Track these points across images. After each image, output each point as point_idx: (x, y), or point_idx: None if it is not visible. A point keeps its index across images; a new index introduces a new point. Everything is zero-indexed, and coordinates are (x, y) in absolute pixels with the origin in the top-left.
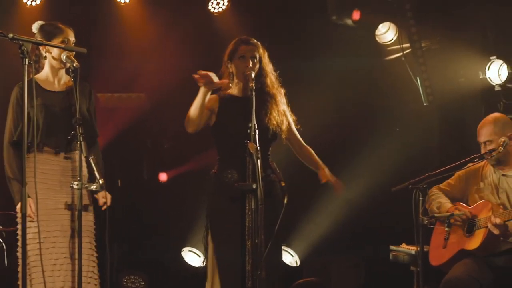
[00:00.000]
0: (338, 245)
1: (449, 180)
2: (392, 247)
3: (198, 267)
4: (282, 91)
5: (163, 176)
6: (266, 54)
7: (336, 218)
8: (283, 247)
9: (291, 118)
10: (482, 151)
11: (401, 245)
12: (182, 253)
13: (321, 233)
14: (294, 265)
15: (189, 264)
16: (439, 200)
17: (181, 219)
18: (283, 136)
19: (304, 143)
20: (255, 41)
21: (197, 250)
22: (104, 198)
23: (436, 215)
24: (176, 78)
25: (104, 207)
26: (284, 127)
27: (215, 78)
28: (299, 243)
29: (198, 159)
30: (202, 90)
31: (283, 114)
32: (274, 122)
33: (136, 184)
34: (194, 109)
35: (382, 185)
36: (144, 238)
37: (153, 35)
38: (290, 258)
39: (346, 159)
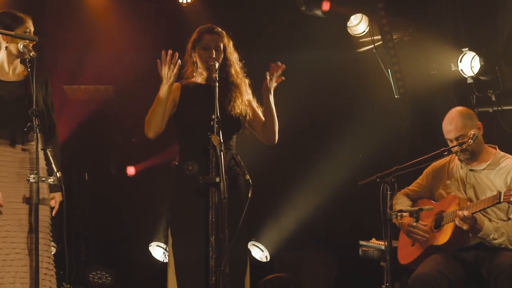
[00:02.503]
0: (309, 240)
1: (417, 180)
2: (362, 242)
3: (165, 262)
4: (247, 81)
5: (131, 170)
6: (231, 43)
7: (307, 212)
8: (253, 242)
9: (258, 109)
10: (456, 148)
11: (370, 240)
12: (150, 248)
13: (291, 227)
14: (264, 260)
15: (156, 259)
16: (399, 208)
17: (149, 213)
18: (246, 124)
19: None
20: (220, 29)
21: (164, 245)
22: (54, 202)
23: (403, 209)
24: (144, 70)
25: (54, 212)
26: (247, 117)
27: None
28: (269, 238)
29: (166, 153)
30: (165, 89)
31: (247, 104)
32: (238, 111)
33: (104, 178)
34: (156, 113)
35: (353, 178)
36: (111, 232)
37: (120, 26)
38: (260, 253)
39: (317, 152)
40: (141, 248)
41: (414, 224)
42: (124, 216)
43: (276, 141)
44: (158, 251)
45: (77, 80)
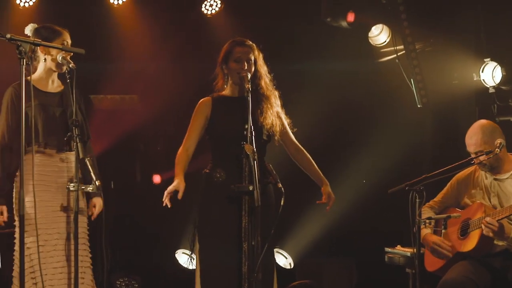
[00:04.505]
0: (332, 247)
1: (442, 191)
2: (387, 249)
3: (192, 269)
4: (277, 93)
5: (157, 178)
6: (261, 56)
7: (330, 219)
8: (277, 250)
9: (285, 120)
10: (476, 161)
11: (396, 247)
12: (176, 255)
13: (315, 235)
14: (288, 267)
15: (183, 266)
16: (427, 216)
17: (175, 221)
18: (277, 137)
19: (301, 146)
20: (250, 42)
21: (190, 252)
22: (95, 207)
23: (433, 216)
24: (169, 80)
25: (93, 216)
26: (278, 128)
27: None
28: (292, 245)
29: (192, 161)
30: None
31: (277, 115)
32: (269, 123)
33: (130, 186)
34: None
35: (377, 187)
36: (138, 240)
37: (146, 37)
38: (284, 260)
39: (341, 161)
40: (167, 255)
41: (443, 231)
42: (150, 224)
43: None
44: (184, 258)
45: (102, 90)
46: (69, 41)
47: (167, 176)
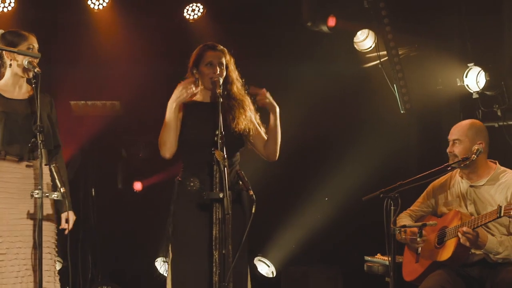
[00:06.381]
0: (315, 255)
1: (419, 199)
2: (367, 258)
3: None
4: (249, 98)
5: (137, 185)
6: (232, 60)
7: (313, 227)
8: (259, 258)
9: (258, 122)
10: (449, 149)
11: (376, 256)
12: (156, 263)
13: (298, 243)
14: (270, 275)
15: (162, 275)
16: (403, 223)
17: (155, 229)
18: (249, 142)
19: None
20: (222, 47)
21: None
22: (67, 220)
23: (407, 224)
24: (151, 86)
25: (66, 231)
26: (251, 133)
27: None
28: (275, 254)
29: (173, 168)
30: (173, 107)
31: (250, 120)
32: (242, 128)
33: (111, 194)
34: (169, 132)
35: (359, 193)
36: (117, 247)
37: (127, 42)
38: (266, 268)
39: (323, 167)
40: (147, 264)
41: (418, 239)
42: (131, 231)
43: (276, 158)
44: (164, 266)
45: (84, 96)
46: (36, 45)
47: (148, 183)
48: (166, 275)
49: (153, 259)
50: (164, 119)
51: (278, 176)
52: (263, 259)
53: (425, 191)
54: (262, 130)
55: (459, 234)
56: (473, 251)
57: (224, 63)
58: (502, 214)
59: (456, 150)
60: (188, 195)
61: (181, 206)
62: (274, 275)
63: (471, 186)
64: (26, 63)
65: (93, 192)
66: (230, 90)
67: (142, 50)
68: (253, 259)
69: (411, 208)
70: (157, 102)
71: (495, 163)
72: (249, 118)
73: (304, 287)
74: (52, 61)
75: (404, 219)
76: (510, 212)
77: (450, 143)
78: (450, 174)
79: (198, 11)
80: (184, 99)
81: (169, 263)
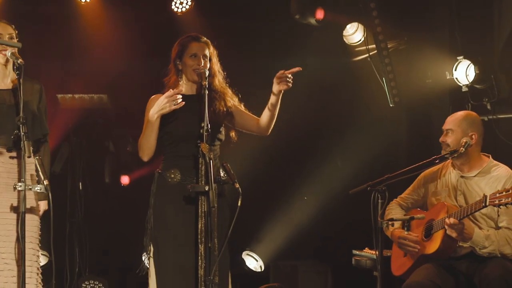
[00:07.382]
0: (304, 249)
1: (409, 187)
2: (355, 252)
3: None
4: (230, 90)
5: (125, 179)
6: (215, 52)
7: (302, 221)
8: (247, 252)
9: (244, 109)
10: (441, 138)
11: (363, 250)
12: (143, 258)
13: (286, 237)
14: (259, 270)
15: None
16: (391, 217)
17: (142, 223)
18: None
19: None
20: (205, 38)
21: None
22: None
23: (394, 217)
24: (139, 79)
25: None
26: (236, 119)
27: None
28: (264, 248)
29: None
30: (154, 118)
31: (231, 112)
32: (222, 120)
33: (98, 187)
34: (148, 138)
35: (348, 187)
36: (105, 242)
37: (115, 35)
38: (254, 263)
39: (312, 160)
40: (134, 257)
41: (405, 233)
42: (118, 225)
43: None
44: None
45: (70, 89)
46: (8, 33)
47: (135, 177)
48: (147, 268)
49: (140, 253)
50: (144, 126)
51: (267, 170)
52: (251, 253)
53: (416, 180)
54: (250, 114)
55: (446, 226)
56: (460, 244)
57: (208, 55)
58: (487, 204)
59: (449, 139)
60: (168, 188)
61: (161, 199)
62: (262, 269)
63: (461, 176)
64: (9, 54)
65: (81, 186)
66: (211, 82)
67: (129, 42)
68: (241, 254)
69: (401, 195)
70: (144, 95)
71: (488, 157)
72: (230, 108)
73: (293, 281)
74: (39, 54)
75: (393, 210)
76: (495, 201)
77: (444, 132)
78: (443, 164)
79: (186, 3)
80: (167, 112)
81: (151, 256)
